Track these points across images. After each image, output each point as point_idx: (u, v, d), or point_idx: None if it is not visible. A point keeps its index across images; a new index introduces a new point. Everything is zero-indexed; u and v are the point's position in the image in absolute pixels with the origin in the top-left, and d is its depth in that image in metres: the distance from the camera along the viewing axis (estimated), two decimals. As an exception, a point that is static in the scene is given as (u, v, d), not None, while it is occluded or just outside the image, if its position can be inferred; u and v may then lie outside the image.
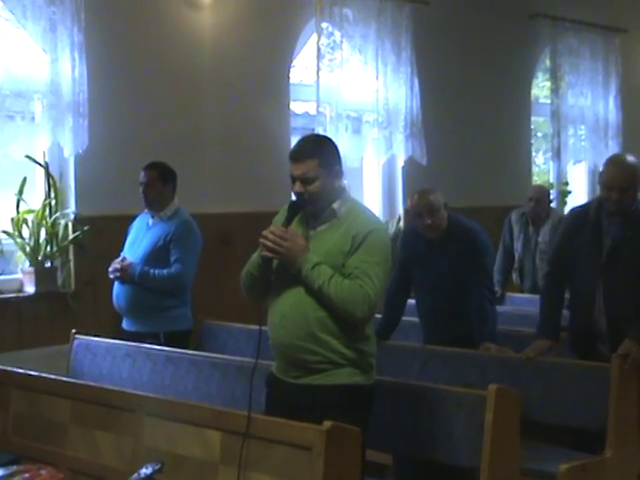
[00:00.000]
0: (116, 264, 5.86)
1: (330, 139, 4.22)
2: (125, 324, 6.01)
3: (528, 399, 4.58)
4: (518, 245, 7.63)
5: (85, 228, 6.33)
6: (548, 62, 9.85)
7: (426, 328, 5.81)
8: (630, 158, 5.26)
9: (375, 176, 8.54)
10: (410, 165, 8.37)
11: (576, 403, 5.03)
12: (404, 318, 5.81)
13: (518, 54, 9.53)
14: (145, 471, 3.69)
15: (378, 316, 5.21)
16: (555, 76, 9.84)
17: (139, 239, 5.98)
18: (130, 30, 6.69)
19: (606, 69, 10.34)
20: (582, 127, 10.14)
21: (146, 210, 6.00)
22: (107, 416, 4.43)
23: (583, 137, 10.15)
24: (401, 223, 8.25)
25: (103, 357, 5.82)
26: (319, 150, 4.00)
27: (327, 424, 3.54)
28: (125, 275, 5.82)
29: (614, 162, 5.30)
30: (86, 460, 4.46)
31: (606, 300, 5.15)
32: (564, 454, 4.89)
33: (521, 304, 7.21)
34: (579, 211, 5.47)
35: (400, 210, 8.39)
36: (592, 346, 5.27)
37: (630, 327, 4.99)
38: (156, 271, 5.80)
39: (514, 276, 7.81)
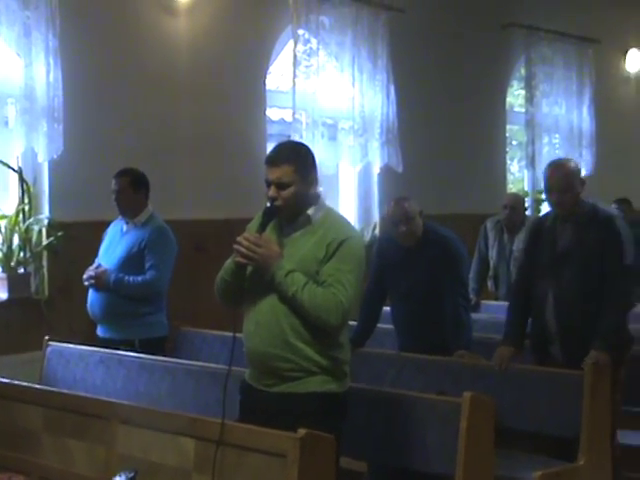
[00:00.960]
0: (90, 271, 5.81)
1: (306, 146, 4.22)
2: (100, 331, 5.96)
3: (502, 406, 4.56)
4: (493, 253, 7.64)
5: (59, 234, 6.29)
6: (523, 71, 9.91)
7: (401, 336, 5.80)
8: (568, 162, 5.43)
9: (351, 183, 8.54)
10: (386, 172, 8.38)
11: (549, 410, 5.04)
12: (379, 325, 5.80)
13: (493, 63, 9.58)
14: (119, 479, 3.67)
15: (353, 323, 5.21)
16: (529, 85, 9.90)
17: (113, 245, 5.93)
18: (105, 35, 6.66)
19: (580, 79, 10.41)
20: (556, 136, 10.20)
21: (120, 216, 5.96)
22: (80, 424, 4.40)
23: (557, 146, 10.21)
24: (377, 230, 8.26)
25: (76, 364, 5.77)
26: (295, 156, 3.99)
27: (301, 432, 3.54)
28: (100, 282, 5.76)
29: (552, 166, 5.40)
30: (58, 469, 4.42)
31: (557, 304, 5.22)
32: (538, 461, 4.89)
33: (496, 312, 7.20)
34: (538, 219, 5.63)
35: (376, 217, 8.40)
36: (545, 350, 5.34)
37: (593, 337, 5.04)
38: (131, 278, 5.76)
39: (489, 283, 7.82)
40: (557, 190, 5.20)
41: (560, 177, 5.21)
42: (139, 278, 5.76)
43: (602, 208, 5.61)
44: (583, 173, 10.27)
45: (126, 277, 5.75)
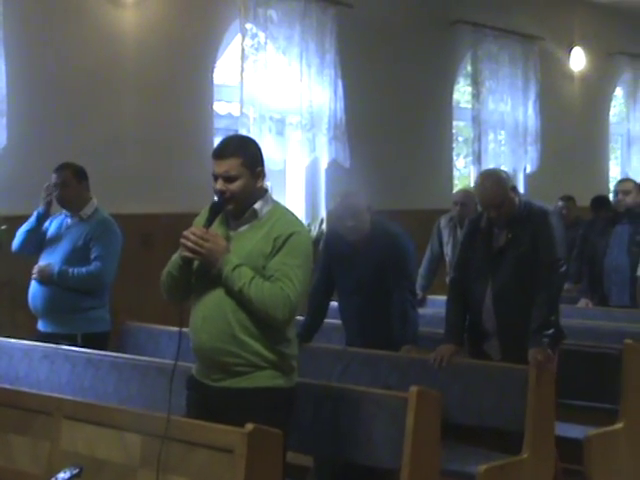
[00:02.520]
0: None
1: (254, 140, 4.22)
2: (41, 325, 5.89)
3: (448, 401, 4.62)
4: (448, 249, 7.65)
5: (3, 227, 6.22)
6: (469, 68, 9.97)
7: (348, 330, 5.81)
8: (496, 175, 5.46)
9: (298, 178, 8.55)
10: (333, 168, 8.40)
11: (495, 404, 5.07)
12: (327, 320, 5.80)
13: (440, 59, 9.63)
14: (63, 476, 3.65)
15: (300, 318, 5.21)
16: (476, 81, 9.96)
17: (58, 240, 5.86)
18: (51, 28, 6.61)
19: (525, 76, 10.50)
20: (502, 132, 10.29)
21: (64, 211, 5.90)
22: (22, 419, 4.34)
23: (503, 142, 10.30)
24: (324, 225, 8.26)
25: (20, 359, 5.70)
26: (243, 149, 3.98)
27: (248, 427, 3.54)
28: (43, 275, 5.71)
29: (482, 185, 5.45)
30: (0, 465, 4.37)
31: (495, 302, 5.29)
32: (483, 455, 4.92)
33: (442, 306, 7.24)
34: (474, 219, 5.63)
35: (323, 212, 8.41)
36: (480, 347, 5.41)
37: (528, 338, 5.11)
38: (75, 270, 5.70)
39: (447, 280, 7.85)
40: (492, 206, 5.27)
41: (492, 195, 5.27)
42: (83, 270, 5.71)
43: (536, 204, 5.69)
44: (528, 170, 10.50)
45: (70, 269, 5.69)
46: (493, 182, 5.37)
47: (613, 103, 12.04)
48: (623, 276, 7.52)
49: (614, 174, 11.71)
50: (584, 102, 11.45)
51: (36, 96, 6.50)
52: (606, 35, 11.58)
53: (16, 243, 5.91)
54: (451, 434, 4.66)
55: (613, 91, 11.96)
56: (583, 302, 7.84)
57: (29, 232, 5.86)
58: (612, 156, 11.99)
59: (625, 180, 8.60)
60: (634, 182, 8.41)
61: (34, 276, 5.75)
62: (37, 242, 5.87)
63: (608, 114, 11.96)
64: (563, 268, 5.53)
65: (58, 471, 3.71)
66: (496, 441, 5.16)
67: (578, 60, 11.25)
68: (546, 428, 5.07)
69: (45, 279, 5.71)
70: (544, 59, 10.71)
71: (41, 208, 5.84)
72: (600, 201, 9.15)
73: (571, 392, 5.46)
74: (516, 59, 10.37)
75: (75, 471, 3.66)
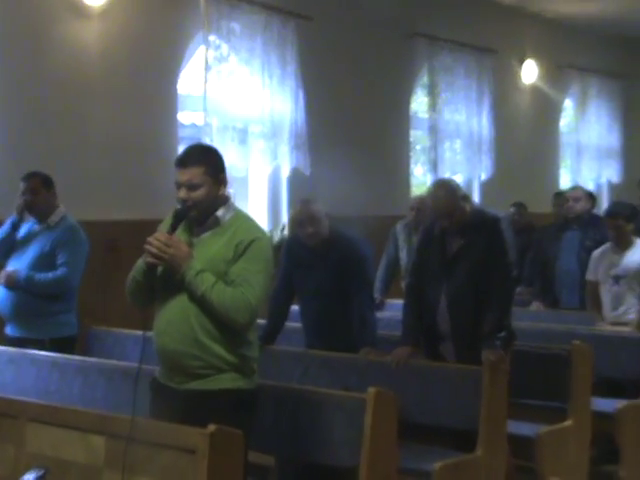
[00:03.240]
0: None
1: (215, 148, 4.25)
2: (9, 330, 5.85)
3: (405, 401, 4.62)
4: (403, 254, 7.66)
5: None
6: (426, 79, 10.01)
7: (308, 334, 5.80)
8: (446, 186, 5.49)
9: (261, 186, 8.54)
10: (295, 175, 8.40)
11: (450, 404, 5.11)
12: (287, 324, 5.80)
13: (398, 70, 9.66)
14: (28, 477, 3.62)
15: (262, 322, 5.20)
16: (432, 92, 10.01)
17: (25, 246, 5.82)
18: (17, 36, 6.55)
19: (479, 87, 10.57)
20: (457, 141, 10.33)
21: (31, 218, 5.86)
22: (-10, 422, 4.32)
23: (458, 151, 10.35)
24: (285, 231, 8.25)
25: (-14, 364, 5.68)
26: (205, 158, 3.99)
27: (211, 428, 3.54)
28: (10, 281, 5.68)
29: (433, 195, 5.49)
30: (-35, 468, 4.34)
31: (449, 306, 5.31)
32: (439, 453, 4.94)
33: (399, 310, 7.25)
34: (428, 226, 5.63)
35: (285, 219, 8.40)
36: (435, 348, 5.43)
37: (481, 340, 5.14)
38: (41, 275, 5.68)
39: (402, 285, 7.86)
40: (444, 215, 5.31)
41: (444, 205, 5.31)
42: (49, 275, 5.69)
43: (488, 211, 5.74)
44: (483, 177, 10.56)
45: (37, 275, 5.67)
46: (444, 192, 5.40)
47: (563, 114, 12.16)
48: (573, 279, 7.57)
49: (564, 182, 11.81)
50: (536, 113, 11.55)
51: (3, 104, 6.44)
52: (556, 49, 11.69)
53: None
54: (408, 433, 4.64)
55: (563, 103, 12.07)
56: (535, 305, 7.90)
57: (2, 241, 5.84)
58: (562, 165, 12.09)
59: (575, 188, 8.68)
60: (583, 190, 8.50)
61: (1, 281, 5.72)
62: (8, 249, 5.84)
63: (558, 124, 12.08)
64: (513, 273, 5.59)
65: (23, 473, 3.69)
66: (451, 439, 5.20)
67: (530, 73, 11.35)
68: (499, 426, 5.10)
69: (11, 285, 5.68)
70: (497, 71, 10.79)
71: (15, 216, 5.82)
72: None
73: (522, 391, 5.46)
74: (471, 71, 10.43)
75: (40, 473, 3.63)
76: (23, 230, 5.88)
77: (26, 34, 6.61)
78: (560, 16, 11.29)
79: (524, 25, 11.17)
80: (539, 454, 5.40)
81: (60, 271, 5.71)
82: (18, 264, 5.76)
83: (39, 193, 5.78)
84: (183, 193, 3.92)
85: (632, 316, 6.68)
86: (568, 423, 5.67)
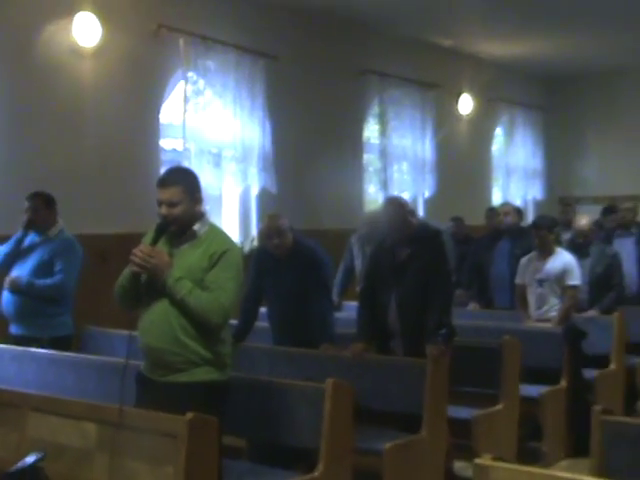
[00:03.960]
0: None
1: (192, 170, 4.25)
2: (13, 329, 5.82)
3: (359, 390, 4.61)
4: (358, 262, 7.66)
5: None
6: (377, 109, 10.00)
7: (275, 332, 5.80)
8: (395, 203, 5.52)
9: (233, 203, 8.50)
10: (263, 194, 8.38)
11: (398, 392, 5.13)
12: (257, 324, 5.79)
13: (353, 102, 9.67)
14: (29, 460, 3.58)
15: (234, 322, 5.19)
16: (382, 121, 10.01)
17: (27, 255, 5.80)
18: (19, 73, 6.51)
19: (423, 117, 10.55)
20: (404, 163, 10.33)
21: (33, 232, 5.83)
22: (-6, 411, 4.28)
23: (405, 171, 10.34)
24: (255, 242, 8.22)
25: (-7, 359, 5.62)
26: (183, 178, 3.98)
27: (189, 415, 3.53)
28: (13, 285, 5.68)
29: (384, 211, 5.54)
30: (-25, 451, 4.29)
31: (398, 307, 5.32)
32: (389, 434, 4.96)
33: (355, 311, 7.23)
34: (381, 239, 5.62)
35: (254, 232, 8.37)
36: (386, 344, 5.44)
37: (426, 336, 5.15)
38: (40, 281, 5.68)
39: (357, 289, 7.84)
40: (394, 229, 5.34)
41: (393, 220, 5.34)
42: (48, 281, 5.69)
43: (431, 225, 5.77)
44: (426, 195, 10.60)
45: (36, 281, 5.67)
46: (394, 208, 5.43)
47: (494, 140, 12.20)
48: (504, 283, 7.59)
49: (496, 199, 11.86)
50: (471, 139, 11.60)
51: (10, 133, 6.41)
52: (488, 85, 11.73)
53: None
54: (362, 418, 4.66)
55: (494, 130, 12.13)
56: (472, 305, 7.94)
57: (7, 254, 5.81)
58: (494, 184, 12.14)
59: (505, 204, 8.75)
60: (512, 205, 8.56)
61: (6, 286, 5.69)
62: (11, 262, 5.81)
63: (490, 149, 12.13)
64: (453, 278, 5.60)
65: (25, 456, 3.64)
66: (400, 422, 5.21)
67: (466, 105, 11.38)
68: (440, 411, 5.13)
69: (15, 289, 5.68)
70: (438, 103, 10.82)
71: (20, 233, 5.79)
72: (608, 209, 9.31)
73: (460, 380, 5.50)
74: (415, 103, 10.43)
75: (40, 455, 3.60)
76: (27, 241, 5.85)
77: (30, 70, 6.57)
78: (491, 57, 11.36)
79: (461, 64, 11.21)
80: (474, 434, 5.44)
81: (57, 278, 5.70)
82: (21, 271, 5.74)
83: (40, 211, 5.77)
84: (164, 210, 3.91)
85: (554, 314, 6.72)
86: (499, 407, 5.73)
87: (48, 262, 5.72)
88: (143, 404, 3.92)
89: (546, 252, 6.82)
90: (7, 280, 5.71)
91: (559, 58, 11.55)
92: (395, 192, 9.85)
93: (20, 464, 3.58)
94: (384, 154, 10.02)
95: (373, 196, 10.05)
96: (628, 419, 3.94)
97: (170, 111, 7.73)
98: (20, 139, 6.50)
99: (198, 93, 7.77)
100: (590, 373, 6.67)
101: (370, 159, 10.08)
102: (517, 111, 12.38)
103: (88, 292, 6.19)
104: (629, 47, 10.91)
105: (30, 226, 5.79)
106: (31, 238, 5.84)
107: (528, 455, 5.99)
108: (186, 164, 7.35)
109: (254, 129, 8.22)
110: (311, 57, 9.01)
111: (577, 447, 6.12)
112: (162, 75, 7.58)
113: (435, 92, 10.69)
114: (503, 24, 9.77)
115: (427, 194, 10.68)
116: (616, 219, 8.59)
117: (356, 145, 9.80)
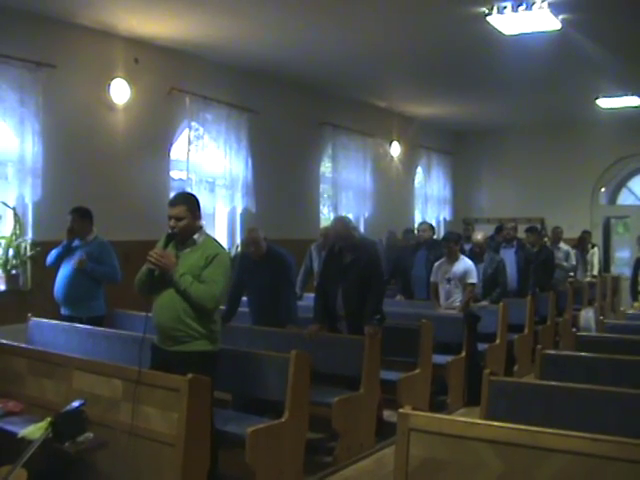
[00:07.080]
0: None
1: (194, 194, 4.23)
2: (62, 310, 5.75)
3: (315, 359, 4.63)
4: (315, 264, 7.68)
5: (38, 249, 6.09)
6: (330, 151, 10.02)
7: (253, 315, 5.80)
8: (341, 221, 5.47)
9: (223, 219, 8.49)
10: (245, 212, 8.37)
11: (344, 361, 5.16)
12: (240, 309, 5.78)
13: (312, 146, 9.69)
14: (74, 404, 3.60)
15: (222, 307, 5.19)
16: (334, 160, 10.02)
17: (72, 255, 5.69)
18: (71, 123, 6.53)
19: (364, 157, 10.43)
20: (350, 192, 10.35)
21: (76, 238, 5.77)
22: (50, 369, 4.31)
23: (351, 197, 10.35)
24: (239, 249, 8.23)
25: (48, 332, 5.59)
26: (187, 200, 4.00)
27: (189, 375, 3.54)
28: (82, 263, 5.55)
29: (333, 226, 5.49)
30: (36, 397, 4.32)
31: (343, 298, 5.33)
32: (337, 392, 4.99)
33: (312, 300, 7.19)
34: (330, 246, 5.60)
35: (238, 241, 8.37)
36: (334, 325, 5.43)
37: (364, 319, 5.16)
38: (99, 267, 5.63)
39: (314, 284, 7.81)
40: (340, 239, 5.32)
41: (340, 233, 5.33)
42: (105, 267, 5.65)
43: (366, 238, 5.74)
44: (366, 215, 10.58)
45: (96, 266, 5.61)
46: (341, 224, 5.43)
47: (416, 176, 12.21)
48: (422, 281, 7.59)
49: (417, 218, 11.89)
50: (399, 175, 11.59)
51: (62, 166, 6.40)
52: (412, 135, 11.66)
53: (49, 261, 5.76)
54: (317, 379, 4.68)
55: (416, 169, 12.16)
56: (398, 297, 7.97)
57: (57, 256, 5.74)
58: (416, 208, 12.17)
59: (423, 223, 8.78)
60: (429, 224, 8.60)
61: (75, 265, 5.55)
62: (61, 261, 5.74)
63: (413, 182, 12.14)
64: (385, 277, 5.63)
65: (71, 402, 3.66)
66: (344, 383, 5.23)
67: (395, 149, 11.40)
68: (374, 374, 5.15)
69: (81, 267, 5.54)
70: (375, 148, 10.84)
71: (66, 242, 5.72)
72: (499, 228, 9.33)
73: (390, 351, 5.54)
74: (359, 147, 10.33)
75: (81, 402, 3.61)
76: (75, 244, 5.77)
77: (74, 122, 6.54)
78: (415, 115, 11.33)
79: (392, 120, 11.23)
80: (399, 391, 5.48)
81: (111, 266, 5.67)
82: (68, 266, 5.66)
83: (77, 221, 5.70)
84: (172, 223, 3.93)
85: (457, 304, 6.78)
86: (417, 371, 5.77)
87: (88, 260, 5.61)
88: (156, 367, 3.93)
89: (453, 258, 6.86)
90: (76, 260, 5.56)
91: (464, 117, 11.66)
92: (343, 212, 9.91)
93: (68, 407, 3.60)
94: (335, 184, 10.03)
95: (326, 215, 10.08)
96: (507, 379, 4.04)
97: (178, 150, 7.72)
98: (70, 170, 6.47)
99: (199, 137, 7.76)
100: (482, 346, 6.77)
101: (325, 188, 10.10)
102: (433, 155, 12.44)
103: (116, 284, 6.17)
104: (513, 111, 11.08)
105: (71, 233, 5.72)
106: (77, 242, 5.78)
107: (437, 406, 6.06)
108: (189, 190, 7.34)
109: (239, 164, 8.22)
110: (283, 112, 9.03)
111: (471, 399, 6.19)
112: (173, 124, 7.57)
113: (373, 139, 10.73)
114: (424, 91, 9.86)
115: (367, 214, 10.70)
116: (503, 235, 8.70)
117: (314, 177, 9.82)
